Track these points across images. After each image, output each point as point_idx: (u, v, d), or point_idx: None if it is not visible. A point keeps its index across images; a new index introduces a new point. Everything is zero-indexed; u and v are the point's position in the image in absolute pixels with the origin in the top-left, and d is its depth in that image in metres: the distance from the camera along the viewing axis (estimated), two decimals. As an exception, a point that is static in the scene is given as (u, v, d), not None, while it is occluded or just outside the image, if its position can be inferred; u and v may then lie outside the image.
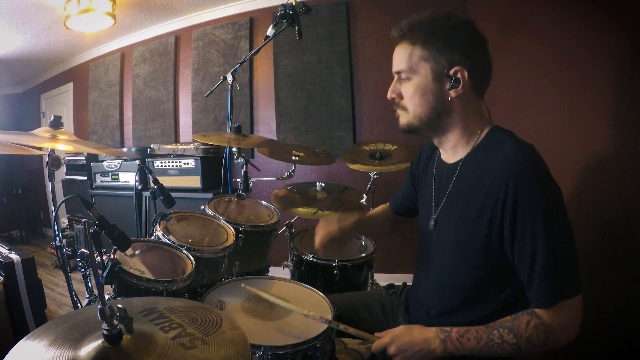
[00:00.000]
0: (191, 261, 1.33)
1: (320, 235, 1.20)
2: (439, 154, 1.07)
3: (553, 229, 0.79)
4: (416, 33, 0.91)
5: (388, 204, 1.38)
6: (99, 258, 1.05)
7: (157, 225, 1.47)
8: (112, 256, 1.13)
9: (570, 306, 0.80)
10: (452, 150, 1.00)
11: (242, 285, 1.20)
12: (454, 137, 0.97)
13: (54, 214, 1.38)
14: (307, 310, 1.05)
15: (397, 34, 0.94)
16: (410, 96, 0.94)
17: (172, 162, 3.23)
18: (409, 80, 0.93)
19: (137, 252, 1.32)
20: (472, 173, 0.92)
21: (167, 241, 1.40)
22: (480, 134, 0.95)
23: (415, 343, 0.90)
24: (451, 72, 0.89)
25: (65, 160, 3.94)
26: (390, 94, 0.97)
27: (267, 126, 3.48)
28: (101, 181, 3.64)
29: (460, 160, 0.96)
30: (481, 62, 0.92)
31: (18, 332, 1.80)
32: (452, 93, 0.90)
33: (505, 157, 0.85)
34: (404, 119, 0.97)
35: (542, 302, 0.81)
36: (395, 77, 0.97)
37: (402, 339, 0.91)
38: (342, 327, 1.02)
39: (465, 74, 0.89)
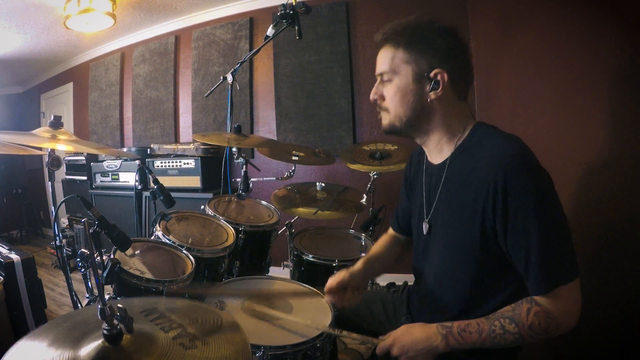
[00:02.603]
0: (191, 261, 1.33)
1: (329, 281, 1.12)
2: (427, 156, 1.07)
3: (545, 217, 0.80)
4: (399, 36, 0.94)
5: (389, 231, 1.30)
6: (99, 258, 1.05)
7: (157, 225, 1.47)
8: (112, 256, 1.13)
9: (568, 291, 0.81)
10: (437, 149, 1.00)
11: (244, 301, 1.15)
12: (435, 136, 0.99)
13: (54, 214, 1.38)
14: (309, 320, 1.05)
15: (381, 37, 0.97)
16: (391, 97, 0.96)
17: (172, 162, 3.23)
18: (391, 81, 0.96)
19: (137, 252, 1.32)
20: (459, 171, 0.93)
21: (167, 241, 1.40)
22: (464, 132, 0.96)
23: (417, 342, 0.90)
24: (431, 74, 0.91)
25: (65, 160, 3.94)
26: (372, 96, 1.00)
27: (267, 126, 3.48)
28: (101, 181, 3.64)
29: (446, 160, 0.97)
30: (462, 66, 0.95)
31: (18, 332, 1.80)
32: (432, 95, 0.92)
33: (492, 152, 0.86)
34: (385, 120, 1.00)
35: (540, 289, 0.81)
36: (378, 79, 1.00)
37: (404, 339, 0.92)
38: (344, 333, 1.01)
39: (445, 76, 0.91)
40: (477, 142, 0.92)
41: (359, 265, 1.17)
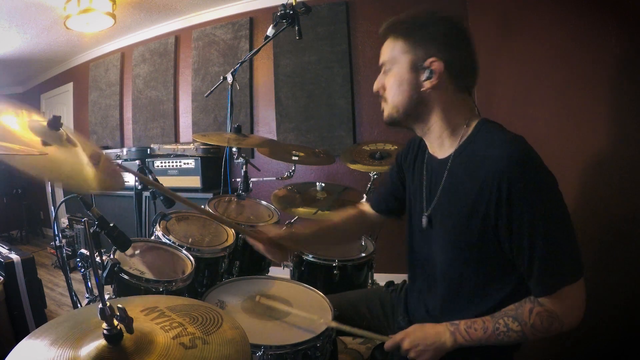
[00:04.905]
0: (191, 261, 1.33)
1: (272, 233, 1.14)
2: (428, 149, 1.06)
3: (550, 219, 0.80)
4: (399, 27, 0.94)
5: (360, 206, 1.31)
6: (99, 258, 1.05)
7: (157, 225, 1.47)
8: (112, 256, 1.13)
9: (572, 292, 0.82)
10: (438, 142, 0.99)
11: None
12: (436, 129, 0.97)
13: (54, 214, 1.39)
14: (317, 316, 1.06)
15: (384, 30, 0.98)
16: (389, 87, 0.97)
17: (172, 162, 3.23)
18: (390, 71, 0.96)
19: (137, 252, 1.32)
20: (464, 168, 0.92)
21: (167, 241, 1.40)
22: (467, 128, 0.95)
23: (427, 337, 0.92)
24: (426, 63, 0.90)
25: (65, 160, 3.94)
26: (375, 86, 1.00)
27: (267, 126, 3.48)
28: (101, 181, 3.64)
29: (450, 155, 0.96)
30: (462, 56, 0.93)
31: (18, 332, 1.80)
32: (427, 84, 0.92)
33: (497, 152, 0.85)
34: (385, 111, 1.00)
35: (544, 290, 0.82)
36: (382, 70, 1.00)
37: (415, 333, 0.94)
38: (355, 330, 1.03)
39: (441, 65, 0.89)
40: (482, 139, 0.91)
41: (305, 232, 1.19)
